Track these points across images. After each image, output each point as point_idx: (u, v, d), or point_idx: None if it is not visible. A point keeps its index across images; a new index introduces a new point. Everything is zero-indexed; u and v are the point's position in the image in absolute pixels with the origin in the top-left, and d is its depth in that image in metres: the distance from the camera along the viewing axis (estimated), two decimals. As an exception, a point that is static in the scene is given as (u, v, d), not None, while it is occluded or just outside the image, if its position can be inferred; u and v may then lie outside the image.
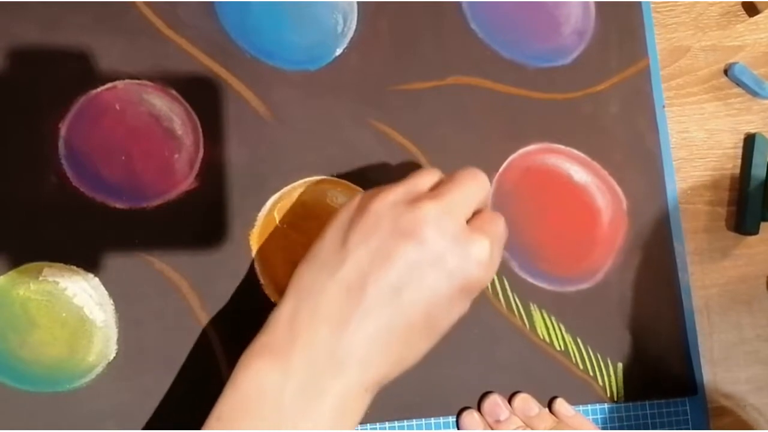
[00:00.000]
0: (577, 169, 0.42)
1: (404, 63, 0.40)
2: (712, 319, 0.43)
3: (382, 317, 0.28)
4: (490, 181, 0.40)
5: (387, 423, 0.37)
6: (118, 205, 0.36)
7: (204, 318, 0.36)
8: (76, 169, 0.36)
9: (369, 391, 0.29)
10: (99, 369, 0.35)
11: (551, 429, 0.38)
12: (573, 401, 0.39)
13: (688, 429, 0.41)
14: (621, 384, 0.40)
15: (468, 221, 0.30)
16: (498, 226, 0.31)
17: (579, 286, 0.41)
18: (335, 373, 0.28)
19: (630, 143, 0.42)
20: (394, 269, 0.28)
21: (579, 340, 0.40)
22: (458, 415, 0.38)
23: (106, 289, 0.36)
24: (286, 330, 0.29)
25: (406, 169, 0.39)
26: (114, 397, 0.35)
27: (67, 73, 0.36)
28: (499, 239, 0.31)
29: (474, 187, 0.31)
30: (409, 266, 0.28)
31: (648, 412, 0.40)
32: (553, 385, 0.39)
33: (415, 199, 0.29)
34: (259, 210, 0.38)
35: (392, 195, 0.30)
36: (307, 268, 0.30)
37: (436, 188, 0.31)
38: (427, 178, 0.32)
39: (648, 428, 0.40)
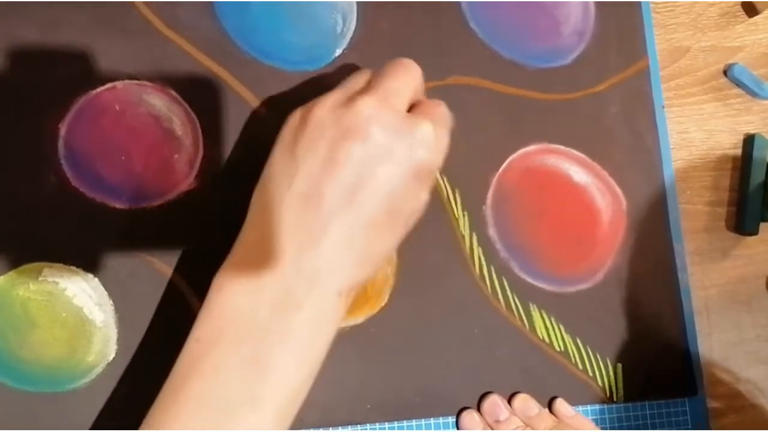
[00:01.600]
0: (576, 169, 0.42)
1: (404, 63, 0.40)
2: (712, 319, 0.43)
3: (343, 220, 0.28)
4: (491, 181, 0.40)
5: (387, 423, 0.38)
6: (118, 206, 0.36)
7: (204, 318, 0.36)
8: (75, 170, 0.36)
9: (343, 296, 0.29)
10: (99, 369, 0.35)
11: (551, 429, 0.38)
12: (573, 401, 0.39)
13: (688, 429, 0.41)
14: (621, 384, 0.40)
15: (409, 111, 0.31)
16: (439, 108, 0.32)
17: (579, 286, 0.41)
18: (307, 285, 0.28)
19: (630, 143, 0.42)
20: (345, 170, 0.28)
21: (579, 341, 0.40)
22: (458, 415, 0.38)
23: (106, 289, 0.36)
24: (254, 250, 0.30)
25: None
26: (114, 398, 0.35)
27: (67, 74, 0.36)
28: (442, 121, 0.31)
29: (406, 75, 0.31)
30: (358, 164, 0.28)
31: (648, 412, 0.40)
32: (552, 385, 0.39)
33: (352, 98, 0.30)
34: (258, 210, 0.38)
35: (330, 100, 0.30)
36: (262, 190, 0.31)
37: (369, 84, 0.31)
38: (359, 78, 0.32)
39: (648, 428, 0.40)
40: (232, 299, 0.29)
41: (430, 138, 0.29)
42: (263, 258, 0.29)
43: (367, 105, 0.29)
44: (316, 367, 0.29)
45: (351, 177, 0.28)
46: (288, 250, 0.28)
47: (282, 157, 0.30)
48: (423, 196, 0.31)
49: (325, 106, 0.30)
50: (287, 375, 0.28)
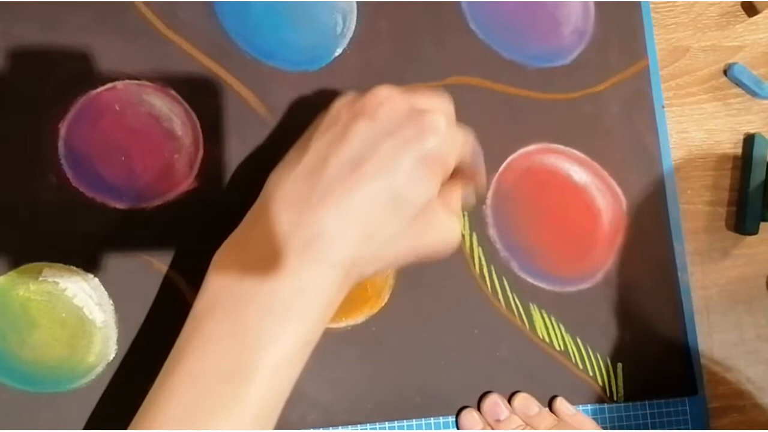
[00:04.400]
0: (576, 169, 0.42)
1: (404, 63, 0.40)
2: (712, 319, 0.43)
3: (342, 191, 0.28)
4: (490, 181, 0.40)
5: (387, 423, 0.37)
6: (118, 206, 0.36)
7: (204, 318, 0.36)
8: (75, 170, 0.36)
9: (338, 270, 0.29)
10: (99, 369, 0.35)
11: (552, 428, 0.38)
12: (573, 401, 0.39)
13: (688, 429, 0.41)
14: (621, 384, 0.40)
15: None
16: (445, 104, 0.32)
17: (579, 286, 0.41)
18: (297, 252, 0.28)
19: (629, 143, 0.42)
20: (349, 145, 0.29)
21: (579, 340, 0.40)
22: (458, 414, 0.38)
23: (106, 289, 0.36)
24: (251, 223, 0.30)
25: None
26: (114, 398, 0.35)
27: (67, 74, 0.36)
28: (452, 117, 0.32)
29: (433, 94, 0.32)
30: (363, 139, 0.29)
31: (648, 411, 0.40)
32: (552, 385, 0.39)
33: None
34: (258, 210, 0.38)
35: (351, 94, 0.31)
36: (274, 172, 0.31)
37: None
38: None
39: (648, 428, 0.40)
40: (223, 272, 0.29)
41: (440, 126, 0.29)
42: (258, 230, 0.29)
43: (382, 90, 0.30)
44: (309, 341, 0.29)
45: (354, 151, 0.29)
46: (282, 219, 0.29)
47: (299, 144, 0.31)
48: (429, 188, 0.30)
49: (343, 99, 0.31)
50: (276, 346, 0.27)
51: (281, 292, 0.28)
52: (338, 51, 0.40)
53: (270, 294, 0.28)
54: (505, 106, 0.41)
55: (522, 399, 0.38)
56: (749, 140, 0.44)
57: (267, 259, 0.28)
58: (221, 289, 0.29)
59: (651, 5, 0.44)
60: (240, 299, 0.28)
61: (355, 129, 0.29)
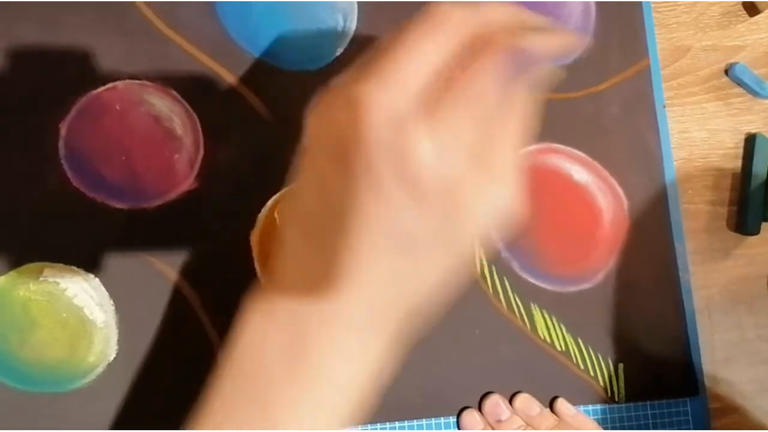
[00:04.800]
0: (577, 169, 0.41)
1: (405, 63, 0.40)
2: (714, 319, 0.43)
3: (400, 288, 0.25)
4: (491, 181, 0.40)
5: (387, 423, 0.37)
6: (119, 206, 0.36)
7: (204, 318, 0.36)
8: (76, 170, 0.36)
9: (364, 333, 0.26)
10: (99, 369, 0.35)
11: (553, 428, 0.38)
12: (574, 401, 0.39)
13: (689, 429, 0.41)
14: (622, 384, 0.40)
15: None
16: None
17: (580, 286, 0.41)
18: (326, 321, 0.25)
19: (630, 143, 0.42)
20: (398, 232, 0.23)
21: (580, 341, 0.40)
22: (458, 415, 0.38)
23: (107, 289, 0.36)
24: (283, 274, 0.27)
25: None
26: (114, 398, 0.35)
27: (68, 74, 0.36)
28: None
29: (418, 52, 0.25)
30: (415, 226, 0.23)
31: (649, 412, 0.40)
32: (553, 385, 0.39)
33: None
34: (259, 210, 0.38)
35: (353, 98, 0.24)
36: (289, 206, 0.28)
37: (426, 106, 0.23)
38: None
39: (649, 428, 0.40)
40: (245, 332, 0.27)
41: (507, 202, 0.25)
42: (277, 279, 0.27)
43: (428, 151, 0.23)
44: (335, 412, 0.27)
45: (405, 237, 0.24)
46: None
47: (307, 173, 0.27)
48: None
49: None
50: (294, 419, 0.26)
51: (306, 363, 0.25)
52: (339, 50, 0.40)
53: (300, 389, 0.25)
54: (506, 105, 0.41)
55: (523, 399, 0.38)
56: (750, 140, 0.44)
57: (284, 315, 0.26)
58: (248, 361, 0.26)
59: (652, 5, 0.44)
60: (268, 384, 0.26)
61: (403, 212, 0.23)
